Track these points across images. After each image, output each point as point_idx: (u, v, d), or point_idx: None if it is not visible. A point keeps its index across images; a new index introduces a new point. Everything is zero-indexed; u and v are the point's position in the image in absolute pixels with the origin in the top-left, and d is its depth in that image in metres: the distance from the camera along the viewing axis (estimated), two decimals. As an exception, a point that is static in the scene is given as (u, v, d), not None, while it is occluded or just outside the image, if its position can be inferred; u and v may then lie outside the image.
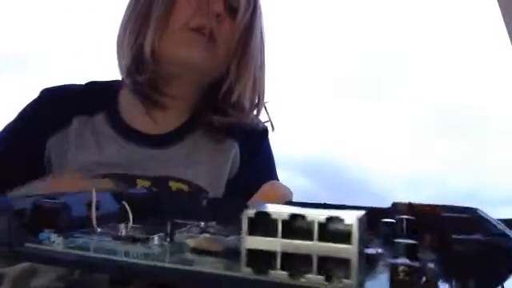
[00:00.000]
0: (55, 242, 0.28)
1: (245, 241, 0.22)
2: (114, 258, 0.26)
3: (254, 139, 0.70)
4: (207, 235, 0.29)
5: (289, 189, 0.43)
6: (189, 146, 0.65)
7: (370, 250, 0.25)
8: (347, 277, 0.20)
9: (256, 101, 0.67)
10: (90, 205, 0.34)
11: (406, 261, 0.20)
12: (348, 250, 0.20)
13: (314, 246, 0.20)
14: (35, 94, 0.67)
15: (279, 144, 0.75)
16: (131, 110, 0.65)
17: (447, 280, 0.21)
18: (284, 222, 0.21)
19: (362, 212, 0.22)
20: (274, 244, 0.21)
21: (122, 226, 0.31)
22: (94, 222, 0.33)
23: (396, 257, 0.24)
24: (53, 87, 0.67)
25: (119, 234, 0.31)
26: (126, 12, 0.64)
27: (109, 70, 0.68)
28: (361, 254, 0.20)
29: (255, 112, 0.68)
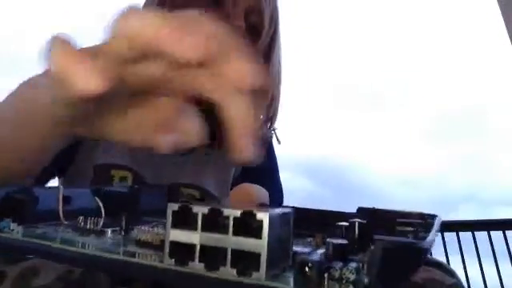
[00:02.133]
0: (14, 231, 0.30)
1: (168, 233, 0.22)
2: (59, 246, 0.27)
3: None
4: (157, 230, 0.30)
5: (265, 192, 0.43)
6: (197, 152, 0.66)
7: (302, 249, 0.25)
8: (257, 270, 0.20)
9: (270, 115, 0.68)
10: (63, 199, 0.36)
11: (314, 258, 0.20)
12: (258, 244, 0.20)
13: (229, 240, 0.21)
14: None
15: (282, 146, 0.76)
16: None
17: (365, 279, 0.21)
18: (204, 216, 0.22)
19: (283, 210, 0.22)
20: (194, 237, 0.22)
21: (82, 218, 0.33)
22: (61, 214, 0.35)
23: (326, 256, 0.24)
24: None
25: (79, 226, 0.32)
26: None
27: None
28: (275, 248, 0.21)
29: (268, 125, 0.69)
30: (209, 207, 0.22)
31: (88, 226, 0.33)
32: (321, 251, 0.26)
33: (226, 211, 0.21)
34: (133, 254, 0.26)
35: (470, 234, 2.37)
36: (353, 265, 0.22)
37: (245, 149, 0.24)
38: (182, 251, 0.22)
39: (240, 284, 0.20)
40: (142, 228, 0.33)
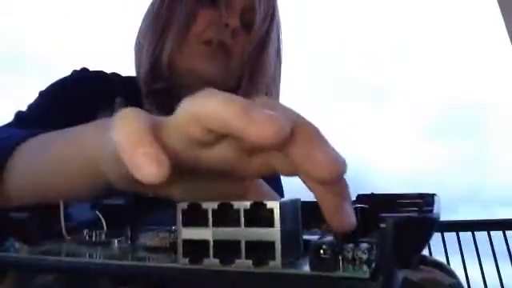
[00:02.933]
0: (19, 249, 0.29)
1: (180, 232, 0.23)
2: (70, 259, 0.27)
3: None
4: (163, 234, 0.30)
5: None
6: None
7: (311, 236, 0.25)
8: (273, 259, 0.20)
9: None
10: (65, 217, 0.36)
11: (328, 240, 0.21)
12: (271, 233, 0.21)
13: (242, 232, 0.21)
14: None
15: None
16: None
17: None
18: (214, 212, 0.22)
19: (292, 199, 0.23)
20: (206, 233, 0.22)
21: (86, 231, 0.32)
22: (63, 230, 0.34)
23: (336, 240, 0.25)
24: (98, 71, 0.68)
25: (85, 239, 0.32)
26: (146, 20, 0.65)
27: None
28: (288, 236, 0.21)
29: None
30: (218, 202, 0.22)
31: (93, 239, 0.33)
32: (329, 237, 0.26)
33: (236, 204, 0.22)
34: (143, 259, 0.26)
35: (470, 234, 2.38)
36: (364, 245, 0.22)
37: (341, 224, 0.23)
38: (196, 249, 0.22)
39: (257, 274, 0.20)
40: (149, 234, 0.33)
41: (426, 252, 2.46)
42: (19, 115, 0.63)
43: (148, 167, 0.19)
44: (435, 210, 0.24)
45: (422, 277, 0.52)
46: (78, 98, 0.64)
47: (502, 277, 2.30)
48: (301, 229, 0.24)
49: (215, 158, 0.24)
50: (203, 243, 0.22)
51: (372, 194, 0.37)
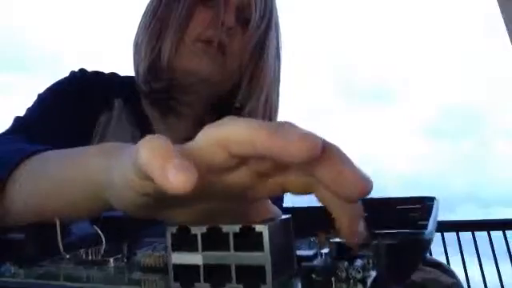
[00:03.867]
0: (15, 274, 0.29)
1: (170, 256, 0.22)
2: (64, 283, 0.27)
3: None
4: (159, 253, 0.30)
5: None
6: None
7: (305, 252, 0.25)
8: (264, 282, 0.20)
9: (268, 116, 0.67)
10: (63, 232, 0.36)
11: (319, 263, 0.20)
12: (261, 257, 0.20)
13: (231, 256, 0.21)
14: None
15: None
16: (150, 115, 0.66)
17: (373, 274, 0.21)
18: (203, 236, 0.22)
19: (283, 217, 0.22)
20: (196, 258, 0.22)
21: (83, 251, 0.32)
22: (61, 248, 0.34)
23: (332, 255, 0.24)
24: (97, 72, 0.68)
25: (80, 258, 0.32)
26: (144, 19, 0.65)
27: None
28: (279, 257, 0.21)
29: None
30: (207, 226, 0.22)
31: (90, 257, 0.33)
32: (325, 251, 0.26)
33: (225, 228, 0.21)
34: (138, 282, 0.26)
35: (470, 234, 2.37)
36: (358, 263, 0.22)
37: (354, 238, 0.23)
38: (187, 273, 0.22)
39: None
40: (144, 252, 0.33)
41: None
42: (17, 121, 0.63)
43: (179, 176, 0.19)
44: (430, 227, 0.23)
45: (422, 277, 0.52)
46: (76, 100, 0.63)
47: (502, 277, 2.29)
48: (294, 246, 0.23)
49: (232, 182, 0.23)
50: (194, 267, 0.22)
51: (372, 198, 0.36)
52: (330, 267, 0.20)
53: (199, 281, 0.21)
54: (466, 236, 2.36)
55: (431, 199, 0.32)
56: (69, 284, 0.26)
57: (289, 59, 0.71)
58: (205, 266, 0.21)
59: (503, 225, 2.39)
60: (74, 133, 0.60)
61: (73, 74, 0.67)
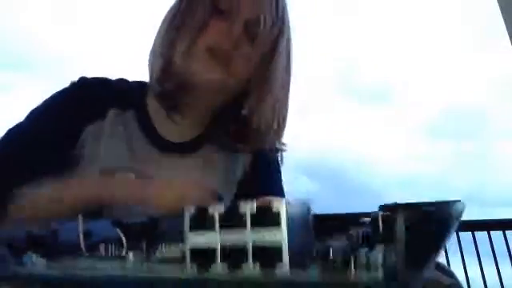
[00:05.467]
0: (37, 264, 0.30)
1: (187, 238, 0.22)
2: (82, 273, 0.27)
3: (263, 152, 0.71)
4: (175, 246, 0.30)
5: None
6: (205, 155, 0.67)
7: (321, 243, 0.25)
8: (280, 260, 0.20)
9: (276, 125, 0.68)
10: (84, 233, 0.36)
11: (338, 244, 0.20)
12: (277, 235, 0.20)
13: (248, 235, 0.21)
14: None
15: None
16: (157, 115, 0.68)
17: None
18: (220, 216, 0.22)
19: (302, 200, 0.22)
20: (213, 238, 0.22)
21: (103, 245, 0.33)
22: (82, 244, 0.34)
23: (352, 245, 0.24)
24: (90, 78, 0.70)
25: (100, 254, 0.32)
26: (163, 26, 0.67)
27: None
28: (296, 238, 0.20)
29: (275, 137, 0.69)
30: (224, 206, 0.22)
31: (110, 253, 0.33)
32: (344, 243, 0.25)
33: (242, 207, 0.21)
34: (156, 270, 0.26)
35: (470, 233, 2.32)
36: (379, 248, 0.21)
37: None
38: (203, 254, 0.22)
39: (263, 283, 0.20)
40: (162, 247, 0.33)
41: None
42: (10, 134, 0.66)
43: None
44: (457, 205, 0.22)
45: None
46: (68, 115, 0.66)
47: (502, 277, 2.24)
48: (312, 232, 0.23)
49: None
50: (211, 250, 0.22)
51: (395, 203, 0.36)
52: (349, 250, 0.20)
53: (215, 261, 0.21)
54: (466, 236, 2.32)
55: (456, 202, 0.31)
56: (89, 273, 0.26)
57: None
58: (222, 246, 0.21)
59: (503, 225, 2.35)
60: (61, 140, 0.62)
61: (70, 85, 0.70)
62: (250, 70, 0.66)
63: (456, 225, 0.20)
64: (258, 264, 0.20)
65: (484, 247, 2.31)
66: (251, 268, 0.20)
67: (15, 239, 0.34)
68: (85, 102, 0.67)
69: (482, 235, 2.35)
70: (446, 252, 2.35)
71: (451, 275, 0.53)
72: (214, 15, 0.64)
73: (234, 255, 0.21)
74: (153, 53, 0.68)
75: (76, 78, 0.72)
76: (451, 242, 2.29)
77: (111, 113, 0.66)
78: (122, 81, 0.72)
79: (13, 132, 0.66)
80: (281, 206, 0.20)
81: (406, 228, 0.18)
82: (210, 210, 0.22)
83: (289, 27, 0.68)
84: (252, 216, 0.21)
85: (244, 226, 0.21)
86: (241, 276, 0.20)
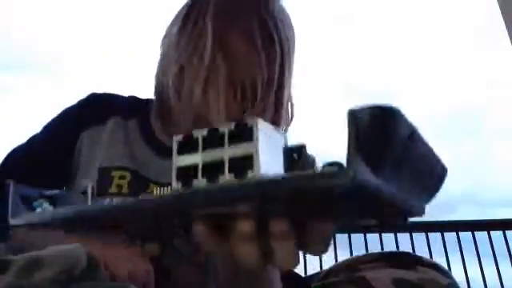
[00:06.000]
0: (45, 208, 0.33)
1: (174, 160, 0.25)
2: (83, 207, 0.29)
3: None
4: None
5: None
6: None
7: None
8: (251, 168, 0.22)
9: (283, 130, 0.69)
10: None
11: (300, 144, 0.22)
12: (250, 146, 0.22)
13: (226, 151, 0.23)
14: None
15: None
16: (158, 124, 0.70)
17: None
18: (204, 138, 0.24)
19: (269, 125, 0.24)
20: (196, 157, 0.24)
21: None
22: (89, 198, 0.37)
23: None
24: (100, 93, 0.74)
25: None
26: (178, 47, 0.67)
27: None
28: (267, 150, 0.23)
29: None
30: (207, 129, 0.24)
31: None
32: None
33: (222, 128, 0.24)
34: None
35: (470, 233, 2.36)
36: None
37: None
38: (187, 173, 0.24)
39: (236, 186, 0.22)
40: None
41: (426, 252, 2.25)
42: (6, 164, 0.69)
43: None
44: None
45: (419, 277, 0.50)
46: (68, 122, 0.69)
47: (502, 277, 2.26)
48: (282, 152, 0.24)
49: None
50: (193, 167, 0.24)
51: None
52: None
53: (197, 177, 0.24)
54: (466, 236, 2.36)
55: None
56: (88, 206, 0.29)
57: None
58: (203, 164, 0.24)
59: (503, 225, 2.38)
60: (61, 148, 0.67)
61: (87, 96, 0.73)
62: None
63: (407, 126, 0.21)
64: (232, 174, 0.22)
65: (484, 247, 2.32)
66: (227, 178, 0.22)
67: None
68: (85, 110, 0.71)
69: (482, 235, 2.34)
70: (445, 252, 2.34)
71: (448, 275, 0.53)
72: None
73: (213, 170, 0.23)
74: (163, 71, 0.68)
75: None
76: (450, 242, 2.26)
77: (112, 120, 0.69)
78: (130, 96, 0.76)
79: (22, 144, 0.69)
80: (254, 121, 0.22)
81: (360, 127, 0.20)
82: (195, 134, 0.24)
83: (289, 60, 0.66)
84: (231, 134, 0.23)
85: (223, 143, 0.23)
86: (217, 185, 0.23)
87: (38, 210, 0.33)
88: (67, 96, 0.74)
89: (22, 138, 0.71)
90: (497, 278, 2.26)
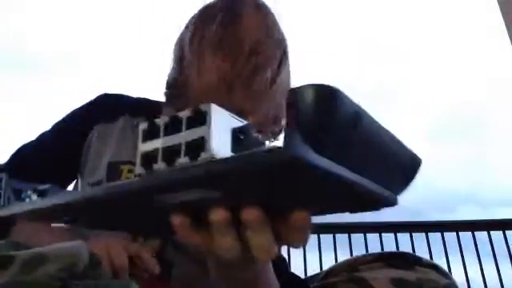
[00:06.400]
0: (33, 199, 0.34)
1: (138, 148, 0.26)
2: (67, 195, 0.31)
3: None
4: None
5: None
6: None
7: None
8: (203, 150, 0.24)
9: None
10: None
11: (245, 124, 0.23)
12: (203, 129, 0.24)
13: (183, 136, 0.25)
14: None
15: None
16: None
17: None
18: (165, 125, 0.26)
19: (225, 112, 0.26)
20: (157, 142, 0.26)
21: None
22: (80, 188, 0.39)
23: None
24: (112, 93, 0.76)
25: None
26: (192, 49, 0.69)
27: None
28: (220, 134, 0.24)
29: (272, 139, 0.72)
30: (170, 115, 0.26)
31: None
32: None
33: (181, 114, 0.25)
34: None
35: (470, 233, 2.37)
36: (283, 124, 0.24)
37: None
38: (149, 158, 0.26)
39: (188, 168, 0.24)
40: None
41: (425, 252, 2.27)
42: (16, 159, 0.71)
43: None
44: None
45: (418, 277, 0.51)
46: (79, 119, 0.71)
47: (502, 277, 2.26)
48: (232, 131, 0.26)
49: None
50: (154, 152, 0.26)
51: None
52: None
53: (157, 162, 0.25)
54: (466, 236, 2.37)
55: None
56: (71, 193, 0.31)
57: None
58: (163, 149, 0.25)
59: (503, 225, 2.38)
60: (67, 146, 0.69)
61: (100, 94, 0.75)
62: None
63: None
64: (187, 158, 0.24)
65: (484, 247, 2.30)
66: (182, 161, 0.24)
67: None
68: (97, 108, 0.73)
69: (482, 235, 2.34)
70: (446, 252, 2.35)
71: (446, 275, 0.54)
72: (219, 49, 0.64)
73: (172, 154, 0.25)
74: (176, 67, 0.69)
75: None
76: (451, 244, 2.29)
77: (122, 119, 0.71)
78: (142, 98, 0.78)
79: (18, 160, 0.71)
80: (208, 107, 0.24)
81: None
82: (157, 122, 0.26)
83: (286, 48, 0.68)
84: (188, 120, 0.25)
85: (181, 128, 0.25)
86: (172, 168, 0.24)
87: (27, 200, 0.35)
88: (80, 97, 0.76)
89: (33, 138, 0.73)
90: (497, 278, 2.26)
